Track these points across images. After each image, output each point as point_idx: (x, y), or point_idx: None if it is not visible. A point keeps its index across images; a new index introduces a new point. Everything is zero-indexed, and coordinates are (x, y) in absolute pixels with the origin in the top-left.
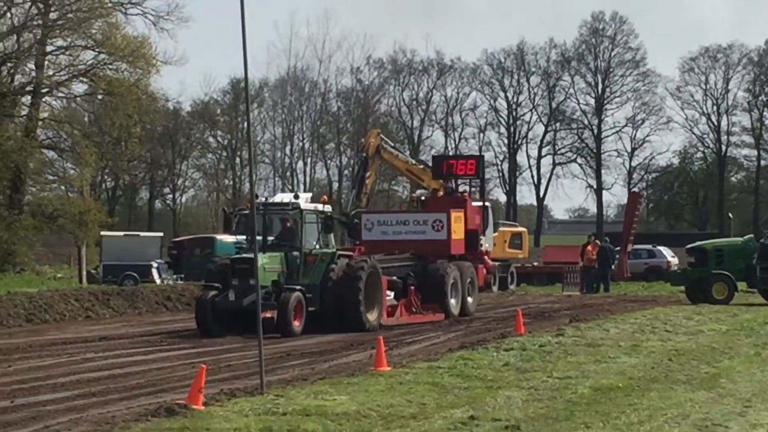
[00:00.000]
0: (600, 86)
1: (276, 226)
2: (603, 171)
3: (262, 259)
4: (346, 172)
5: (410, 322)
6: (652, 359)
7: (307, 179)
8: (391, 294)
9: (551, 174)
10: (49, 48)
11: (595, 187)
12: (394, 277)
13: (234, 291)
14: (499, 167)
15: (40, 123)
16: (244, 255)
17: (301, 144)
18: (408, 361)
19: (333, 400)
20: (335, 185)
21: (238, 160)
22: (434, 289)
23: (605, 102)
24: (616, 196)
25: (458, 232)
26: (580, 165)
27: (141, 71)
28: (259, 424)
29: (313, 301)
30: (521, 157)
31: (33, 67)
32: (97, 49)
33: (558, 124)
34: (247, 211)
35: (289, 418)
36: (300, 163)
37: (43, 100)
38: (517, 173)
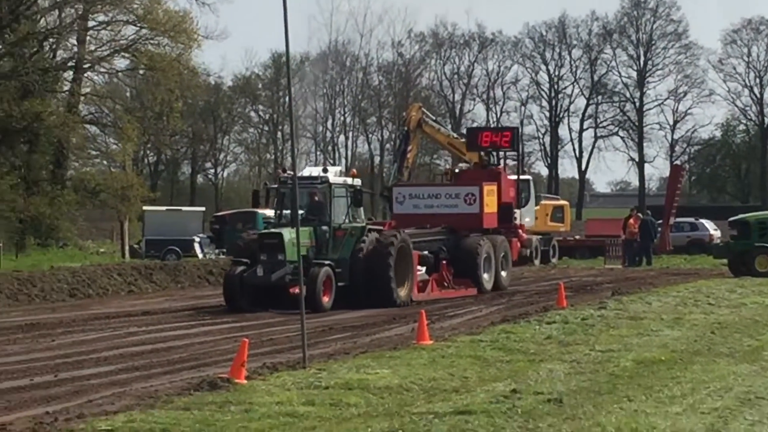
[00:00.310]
0: (642, 59)
1: (305, 200)
2: (645, 144)
3: (291, 233)
4: (387, 145)
5: (442, 297)
6: (694, 332)
7: (349, 153)
8: (423, 269)
9: (593, 147)
10: (90, 23)
11: (637, 160)
12: (426, 252)
13: (262, 266)
14: (541, 141)
15: (82, 98)
16: (273, 230)
17: (342, 118)
18: (450, 335)
19: (375, 373)
20: (377, 159)
21: (279, 134)
22: (467, 263)
23: (647, 75)
24: (658, 169)
25: (491, 205)
26: (622, 138)
27: (182, 46)
28: (302, 397)
29: (342, 276)
30: (563, 131)
31: (75, 42)
32: (138, 24)
33: (600, 97)
34: (275, 186)
35: (332, 391)
36: (341, 137)
37: (85, 75)
38: (559, 146)
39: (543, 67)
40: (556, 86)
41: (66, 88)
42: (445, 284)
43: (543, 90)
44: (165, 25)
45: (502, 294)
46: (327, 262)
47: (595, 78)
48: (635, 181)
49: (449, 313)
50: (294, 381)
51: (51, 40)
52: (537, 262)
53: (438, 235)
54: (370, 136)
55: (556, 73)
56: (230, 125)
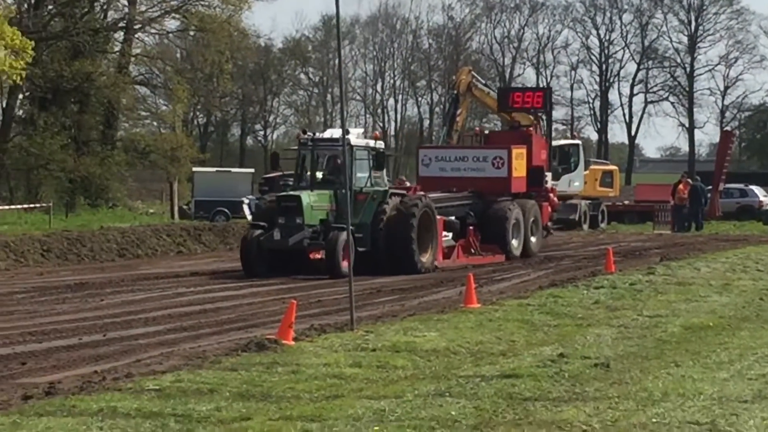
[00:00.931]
0: (693, 24)
1: (326, 163)
2: (695, 109)
3: (310, 196)
4: (437, 109)
5: (468, 264)
6: (743, 298)
7: (398, 116)
8: (449, 235)
9: (643, 112)
10: None
11: (687, 125)
12: (452, 217)
13: (280, 230)
14: (591, 105)
15: (132, 59)
16: (291, 192)
17: (392, 81)
18: (498, 299)
19: (422, 336)
20: (426, 122)
21: (329, 96)
22: (495, 229)
23: (698, 40)
24: (708, 134)
25: (519, 169)
26: (672, 103)
27: (233, 7)
28: (349, 359)
29: (363, 242)
30: (613, 96)
31: (125, 3)
32: None
33: (650, 62)
34: (293, 149)
35: (379, 354)
36: (391, 101)
37: (136, 36)
38: (609, 111)
39: (594, 31)
40: (606, 51)
41: (116, 48)
42: (472, 251)
43: (593, 54)
44: None
45: (550, 258)
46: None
47: (646, 43)
48: (685, 147)
49: (497, 276)
50: (341, 343)
51: (102, 0)
52: (586, 227)
53: (465, 200)
54: (419, 99)
55: (607, 37)
56: (280, 87)
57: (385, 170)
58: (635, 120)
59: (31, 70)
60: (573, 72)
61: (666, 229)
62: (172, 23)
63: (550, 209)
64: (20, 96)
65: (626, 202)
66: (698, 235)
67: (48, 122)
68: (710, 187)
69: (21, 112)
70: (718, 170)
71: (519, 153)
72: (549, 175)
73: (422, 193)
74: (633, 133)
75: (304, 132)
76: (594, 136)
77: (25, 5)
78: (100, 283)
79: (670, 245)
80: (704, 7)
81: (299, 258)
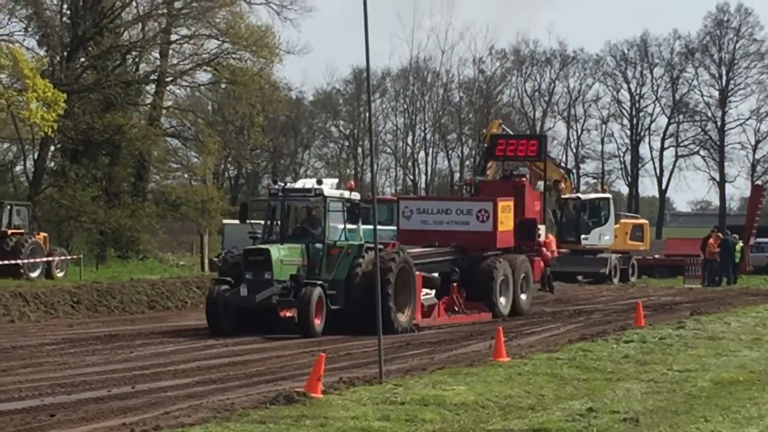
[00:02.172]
0: (724, 78)
1: (297, 215)
2: (726, 163)
3: (280, 250)
4: (467, 162)
5: (450, 323)
6: None
7: (429, 169)
8: (431, 292)
9: (674, 166)
10: (173, 37)
11: (717, 179)
12: (434, 274)
13: (247, 285)
14: (622, 159)
15: (164, 111)
16: (260, 245)
17: (422, 134)
18: (527, 352)
19: (451, 390)
20: (456, 175)
21: (359, 149)
22: (481, 286)
23: (729, 94)
24: (739, 188)
25: (506, 222)
26: (703, 157)
27: (264, 60)
28: (377, 413)
29: (336, 299)
30: (644, 149)
31: (157, 55)
32: (220, 38)
33: (681, 116)
34: (264, 199)
35: (408, 407)
36: (422, 153)
37: (167, 88)
38: (640, 165)
39: (624, 85)
40: (637, 104)
41: (148, 101)
42: (456, 308)
43: (624, 108)
44: (247, 40)
45: (580, 312)
46: (319, 282)
47: (677, 97)
48: (716, 201)
49: (526, 330)
50: (370, 396)
51: (134, 53)
52: (616, 280)
53: (447, 255)
54: (450, 152)
55: (638, 91)
56: (311, 140)
57: (360, 223)
58: (666, 174)
59: (63, 122)
60: (604, 126)
61: (696, 284)
62: (203, 76)
63: (542, 264)
64: (52, 148)
65: (657, 256)
66: (729, 289)
67: (79, 174)
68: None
69: (53, 163)
70: (748, 224)
71: (506, 206)
72: (542, 228)
73: (399, 247)
74: (663, 186)
75: (275, 182)
76: (624, 190)
77: (58, 58)
78: (130, 335)
79: (701, 299)
80: (735, 62)
81: (268, 315)
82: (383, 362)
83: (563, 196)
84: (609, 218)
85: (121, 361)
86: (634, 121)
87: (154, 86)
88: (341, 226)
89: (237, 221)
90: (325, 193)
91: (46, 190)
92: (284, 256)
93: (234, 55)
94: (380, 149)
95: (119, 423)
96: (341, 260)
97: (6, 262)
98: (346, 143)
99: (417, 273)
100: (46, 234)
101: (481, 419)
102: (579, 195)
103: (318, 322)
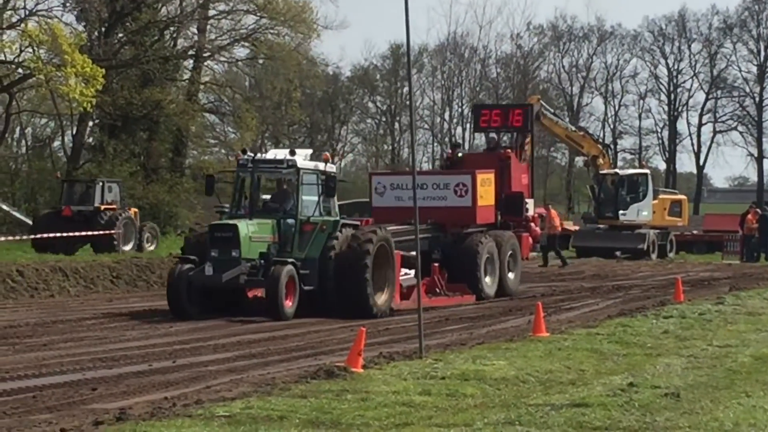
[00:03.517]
0: (762, 54)
1: (268, 188)
2: (764, 139)
3: (249, 226)
4: (504, 138)
5: (431, 306)
6: None
7: (466, 145)
8: (410, 272)
9: (711, 142)
10: (211, 12)
11: (756, 155)
12: (413, 252)
13: (212, 264)
14: (659, 135)
15: (201, 87)
16: (226, 221)
17: (459, 110)
18: (566, 327)
19: (491, 364)
20: (533, 152)
21: (397, 125)
22: (464, 265)
23: (767, 69)
24: None
25: (486, 197)
26: (741, 133)
27: (302, 36)
28: (418, 387)
29: (309, 279)
30: (681, 125)
31: (195, 31)
32: (258, 14)
33: (719, 92)
34: (231, 170)
35: (448, 382)
36: (459, 129)
37: (205, 64)
38: (677, 141)
39: (662, 60)
40: (675, 80)
41: (186, 76)
42: (437, 290)
43: (662, 84)
44: (285, 15)
45: (619, 287)
46: (290, 260)
47: (715, 72)
48: (754, 177)
49: (565, 306)
50: (410, 371)
51: (172, 28)
52: (654, 256)
53: (424, 233)
54: None
55: (676, 66)
56: (348, 116)
57: (335, 198)
58: (703, 149)
59: (101, 97)
60: (641, 101)
61: (735, 259)
62: (241, 51)
63: (531, 241)
64: (90, 123)
65: (695, 232)
66: (767, 265)
67: (117, 149)
68: None
69: (91, 139)
70: None
71: (485, 178)
72: (530, 203)
73: (377, 225)
74: (701, 162)
75: (244, 151)
76: (662, 166)
77: (96, 33)
78: (169, 310)
79: (739, 275)
80: None
81: (236, 296)
82: (423, 337)
83: (601, 172)
84: (647, 194)
85: (161, 335)
86: (672, 96)
87: (191, 62)
88: (316, 200)
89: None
90: (299, 165)
91: (85, 165)
92: (253, 232)
93: (272, 31)
94: (417, 125)
95: (161, 397)
96: (315, 237)
97: (98, 233)
98: (384, 119)
99: (396, 252)
100: (137, 209)
101: (522, 394)
102: (617, 171)
103: (289, 304)
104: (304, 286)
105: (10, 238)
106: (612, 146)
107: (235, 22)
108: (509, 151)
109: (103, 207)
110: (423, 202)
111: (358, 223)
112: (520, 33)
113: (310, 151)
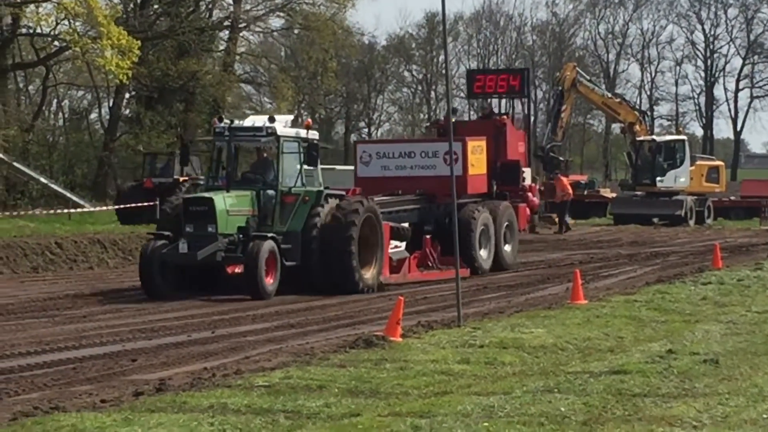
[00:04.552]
0: None
1: (246, 157)
2: None
3: (226, 199)
4: (541, 105)
5: (422, 280)
6: None
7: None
8: (401, 245)
9: (749, 107)
10: None
11: None
12: (405, 224)
13: (187, 241)
14: (696, 101)
15: (237, 57)
16: (202, 194)
17: None
18: (604, 295)
19: (530, 332)
20: (530, 119)
21: (433, 94)
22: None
23: None
24: None
25: (478, 165)
26: None
27: (337, 5)
28: (457, 356)
29: (291, 254)
30: (718, 91)
31: (230, 2)
32: None
33: (756, 57)
34: (207, 139)
35: (486, 350)
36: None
37: (241, 34)
38: (714, 107)
39: (698, 26)
40: (711, 46)
41: (221, 47)
42: (429, 264)
43: (698, 50)
44: None
45: (656, 254)
46: (270, 234)
47: (752, 38)
48: None
49: (603, 273)
50: (449, 339)
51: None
52: (692, 222)
53: (411, 204)
54: None
55: (712, 32)
56: (384, 85)
57: (319, 166)
58: (740, 115)
59: (138, 69)
60: (678, 68)
61: None
62: (276, 21)
63: (528, 211)
64: (127, 95)
65: (732, 198)
66: None
67: (154, 121)
68: None
69: (128, 111)
70: None
71: (477, 146)
72: (527, 171)
73: (363, 195)
74: (738, 128)
75: (220, 119)
76: (699, 132)
77: (131, 5)
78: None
79: None
80: None
81: (213, 274)
82: (461, 305)
83: (638, 139)
84: (684, 160)
85: (199, 306)
86: (708, 62)
87: (227, 32)
88: (297, 169)
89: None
90: (278, 132)
91: (122, 137)
92: (231, 205)
93: (307, 1)
94: (453, 93)
95: (200, 367)
96: (297, 209)
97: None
98: (419, 88)
99: (384, 223)
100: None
101: (561, 362)
102: (654, 137)
103: (270, 281)
104: (286, 261)
105: (52, 211)
106: (649, 113)
107: None
108: (505, 117)
109: (181, 179)
110: (411, 171)
111: (344, 193)
112: (555, 0)
113: (291, 117)
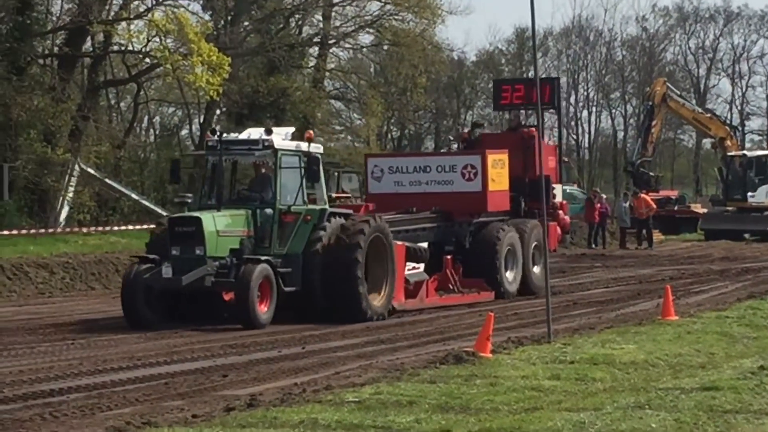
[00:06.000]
0: None
1: (243, 173)
2: None
3: (216, 219)
4: (631, 121)
5: (442, 305)
6: None
7: (592, 128)
8: (420, 266)
9: None
10: None
11: None
12: (423, 244)
13: (172, 264)
14: None
15: (327, 74)
16: (189, 213)
17: (585, 93)
18: (696, 311)
19: (620, 348)
20: (620, 134)
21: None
22: (482, 258)
23: None
24: None
25: (500, 180)
26: None
27: (426, 21)
28: (547, 372)
29: (292, 279)
30: None
31: (320, 18)
32: (383, 0)
33: None
34: (199, 153)
35: (577, 366)
36: (585, 113)
37: (330, 51)
38: None
39: None
40: None
41: (311, 63)
42: (450, 287)
43: None
44: (409, 1)
45: (748, 270)
46: (264, 257)
47: None
48: None
49: (694, 289)
50: (539, 355)
51: (297, 16)
52: None
53: (427, 222)
54: (613, 111)
55: None
56: (473, 100)
57: (322, 182)
58: None
59: (228, 85)
60: None
61: None
62: (366, 38)
63: (559, 231)
64: (217, 111)
65: None
66: None
67: None
68: None
69: (218, 127)
70: None
71: (498, 159)
72: (558, 188)
73: (371, 214)
74: None
75: (213, 131)
76: None
77: (222, 22)
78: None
79: None
80: None
81: (205, 301)
82: (551, 321)
83: (729, 154)
84: None
85: (290, 322)
86: None
87: (317, 49)
88: (298, 186)
89: None
90: (276, 146)
91: None
92: (222, 225)
93: (396, 17)
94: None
95: (290, 383)
96: (298, 230)
97: None
98: None
99: (399, 243)
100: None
101: (652, 378)
102: (745, 152)
103: (264, 309)
104: (285, 286)
105: (145, 226)
106: (740, 128)
107: (360, 9)
108: (533, 130)
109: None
110: (427, 187)
111: (350, 212)
112: (645, 15)
113: (292, 129)
